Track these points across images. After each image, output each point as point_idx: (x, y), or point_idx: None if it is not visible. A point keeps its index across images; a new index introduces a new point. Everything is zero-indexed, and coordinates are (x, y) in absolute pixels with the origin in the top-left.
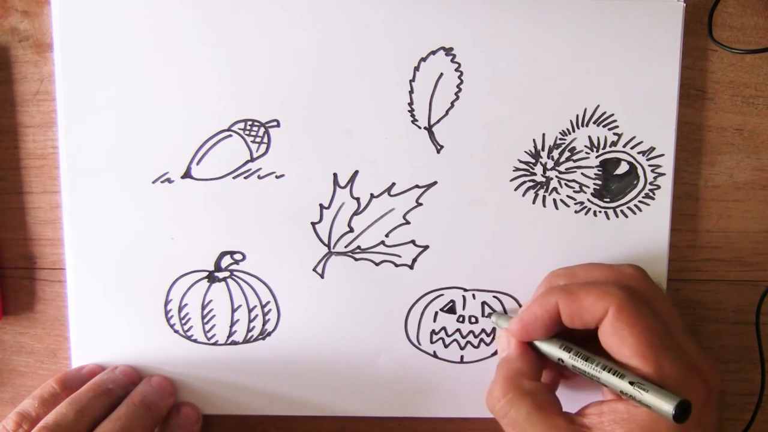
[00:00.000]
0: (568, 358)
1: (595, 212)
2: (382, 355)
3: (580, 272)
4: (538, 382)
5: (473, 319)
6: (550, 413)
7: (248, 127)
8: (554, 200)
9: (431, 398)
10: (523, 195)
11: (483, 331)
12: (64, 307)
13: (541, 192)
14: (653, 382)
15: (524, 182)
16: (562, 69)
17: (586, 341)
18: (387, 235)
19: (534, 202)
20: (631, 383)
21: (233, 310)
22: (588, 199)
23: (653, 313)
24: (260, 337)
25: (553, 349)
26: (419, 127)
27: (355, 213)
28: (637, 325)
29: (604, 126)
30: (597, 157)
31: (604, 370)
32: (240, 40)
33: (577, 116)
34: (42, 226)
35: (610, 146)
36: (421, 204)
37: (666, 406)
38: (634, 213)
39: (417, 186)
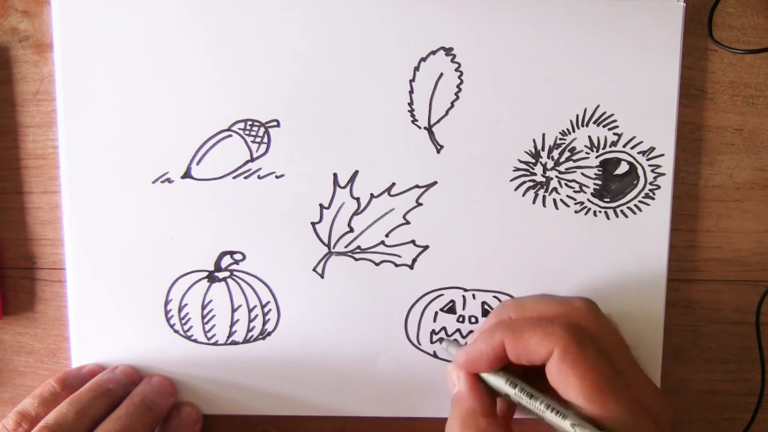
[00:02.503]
0: (514, 395)
1: (595, 212)
2: (382, 355)
3: (529, 305)
4: (493, 418)
5: (473, 319)
6: None
7: (248, 127)
8: (554, 200)
9: (431, 398)
10: (523, 195)
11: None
12: (64, 307)
13: (541, 192)
14: (597, 424)
15: (524, 182)
16: (562, 69)
17: (537, 374)
18: (387, 235)
19: (534, 202)
20: (573, 425)
21: (233, 310)
22: (588, 199)
23: (599, 353)
24: (260, 337)
25: (499, 383)
26: (419, 127)
27: (355, 213)
28: (581, 367)
29: (604, 126)
30: (597, 157)
31: (547, 409)
32: (240, 40)
33: (577, 116)
34: (42, 226)
35: (610, 146)
36: (421, 204)
37: None
38: (634, 213)
39: (417, 186)
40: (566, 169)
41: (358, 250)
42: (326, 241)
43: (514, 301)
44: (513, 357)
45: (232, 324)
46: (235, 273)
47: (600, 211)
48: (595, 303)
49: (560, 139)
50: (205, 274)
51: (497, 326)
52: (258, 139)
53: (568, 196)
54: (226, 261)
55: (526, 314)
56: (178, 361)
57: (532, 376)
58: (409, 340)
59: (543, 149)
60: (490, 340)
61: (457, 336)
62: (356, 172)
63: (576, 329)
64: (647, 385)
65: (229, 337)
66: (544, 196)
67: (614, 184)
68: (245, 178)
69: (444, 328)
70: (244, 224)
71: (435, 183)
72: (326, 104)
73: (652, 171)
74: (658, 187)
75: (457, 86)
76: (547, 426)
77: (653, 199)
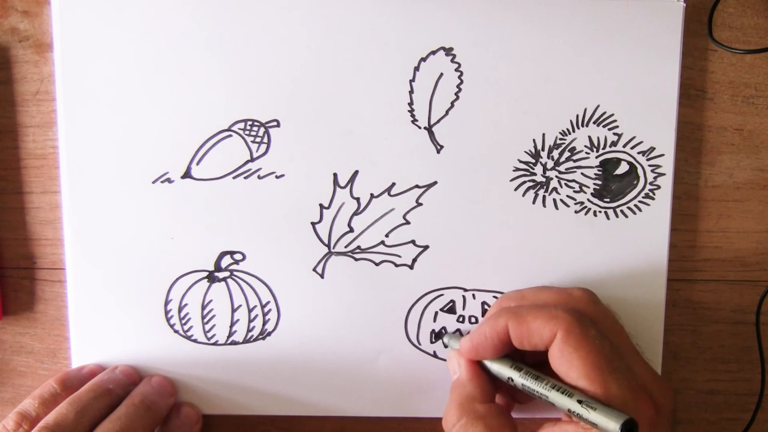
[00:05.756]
0: (518, 377)
1: (595, 212)
2: (382, 355)
3: (530, 295)
4: (491, 405)
5: (473, 319)
6: None
7: (248, 127)
8: (554, 200)
9: (431, 398)
10: (523, 195)
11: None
12: (64, 307)
13: (541, 192)
14: (601, 402)
15: (524, 182)
16: (562, 69)
17: (537, 365)
18: (387, 235)
19: (534, 202)
20: (579, 402)
21: (233, 310)
22: (588, 199)
23: (600, 335)
24: (260, 337)
25: (503, 369)
26: (419, 127)
27: (355, 213)
28: (584, 348)
29: (604, 126)
30: (597, 157)
31: (552, 389)
32: (240, 40)
33: (577, 116)
34: (42, 226)
35: (610, 146)
36: (421, 204)
37: (612, 424)
38: (634, 213)
39: (417, 186)
40: (566, 169)
41: (358, 250)
42: (326, 241)
43: (514, 292)
44: (516, 341)
45: (232, 324)
46: (235, 273)
47: (600, 211)
48: (593, 292)
49: (560, 139)
50: (205, 274)
51: (501, 312)
52: (258, 139)
53: (568, 196)
54: (226, 261)
55: (527, 303)
56: (178, 361)
57: (533, 367)
58: (409, 340)
59: (543, 149)
60: (494, 326)
61: (457, 336)
62: (356, 172)
63: (578, 313)
64: (647, 369)
65: (229, 337)
66: (544, 196)
67: (614, 184)
68: (245, 178)
69: (444, 328)
70: (244, 224)
71: (435, 183)
72: (326, 104)
73: (652, 171)
74: (658, 187)
75: (457, 86)
76: (545, 420)
77: (653, 199)
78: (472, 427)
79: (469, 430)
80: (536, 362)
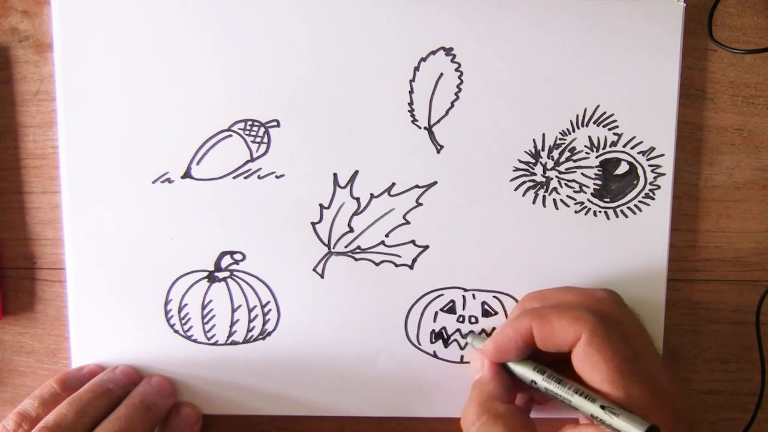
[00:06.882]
0: (541, 381)
1: (595, 212)
2: (382, 355)
3: (552, 295)
4: (512, 405)
5: (473, 319)
6: None
7: (248, 127)
8: (554, 200)
9: (431, 398)
10: (523, 195)
11: (483, 331)
12: (64, 307)
13: (541, 192)
14: (624, 408)
15: (524, 182)
16: (562, 69)
17: (558, 366)
18: (387, 235)
19: (534, 202)
20: (602, 407)
21: (233, 310)
22: (588, 199)
23: (624, 339)
24: (260, 337)
25: (526, 371)
26: (419, 127)
27: (355, 213)
28: (608, 351)
29: (604, 126)
30: (597, 157)
31: (576, 393)
32: (240, 40)
33: (577, 116)
34: (42, 226)
35: (610, 146)
36: (421, 204)
37: (634, 430)
38: (634, 213)
39: (417, 186)
40: (566, 169)
41: (358, 250)
42: (326, 241)
43: (536, 292)
44: (540, 343)
45: (232, 324)
46: (235, 273)
47: (600, 211)
48: (618, 294)
49: (560, 139)
50: (205, 274)
51: (525, 313)
52: (258, 139)
53: (568, 196)
54: (226, 261)
55: (550, 304)
56: (178, 361)
57: (551, 366)
58: (409, 340)
59: (543, 149)
60: (518, 326)
61: (457, 336)
62: (356, 172)
63: (602, 315)
64: (668, 375)
65: (229, 337)
66: (544, 196)
67: (614, 184)
68: (245, 178)
69: (444, 328)
70: (244, 224)
71: (435, 183)
72: (326, 104)
73: (652, 171)
74: (658, 187)
75: (457, 86)
76: (564, 421)
77: (653, 199)
78: (493, 426)
79: (489, 429)
80: (553, 362)
